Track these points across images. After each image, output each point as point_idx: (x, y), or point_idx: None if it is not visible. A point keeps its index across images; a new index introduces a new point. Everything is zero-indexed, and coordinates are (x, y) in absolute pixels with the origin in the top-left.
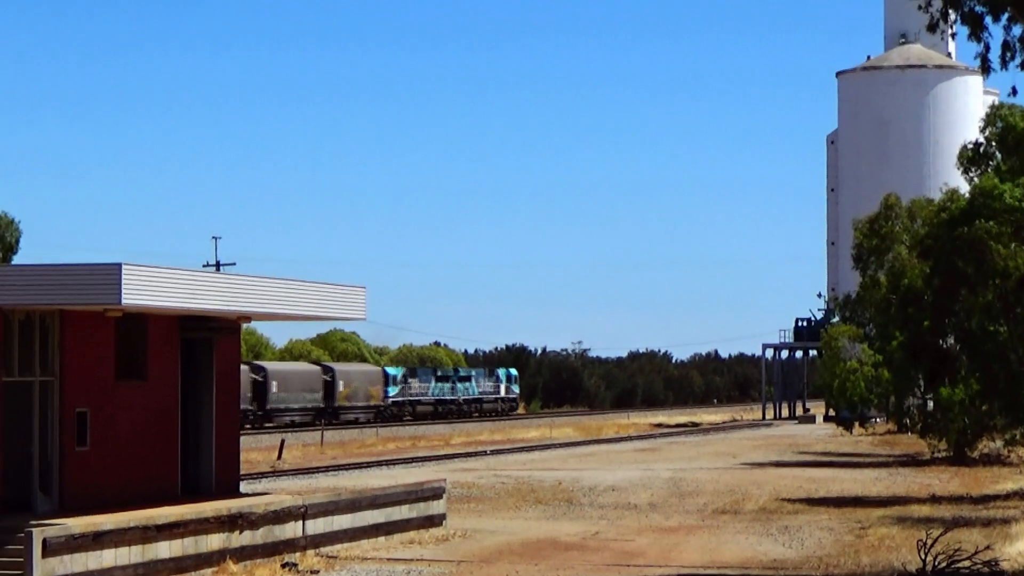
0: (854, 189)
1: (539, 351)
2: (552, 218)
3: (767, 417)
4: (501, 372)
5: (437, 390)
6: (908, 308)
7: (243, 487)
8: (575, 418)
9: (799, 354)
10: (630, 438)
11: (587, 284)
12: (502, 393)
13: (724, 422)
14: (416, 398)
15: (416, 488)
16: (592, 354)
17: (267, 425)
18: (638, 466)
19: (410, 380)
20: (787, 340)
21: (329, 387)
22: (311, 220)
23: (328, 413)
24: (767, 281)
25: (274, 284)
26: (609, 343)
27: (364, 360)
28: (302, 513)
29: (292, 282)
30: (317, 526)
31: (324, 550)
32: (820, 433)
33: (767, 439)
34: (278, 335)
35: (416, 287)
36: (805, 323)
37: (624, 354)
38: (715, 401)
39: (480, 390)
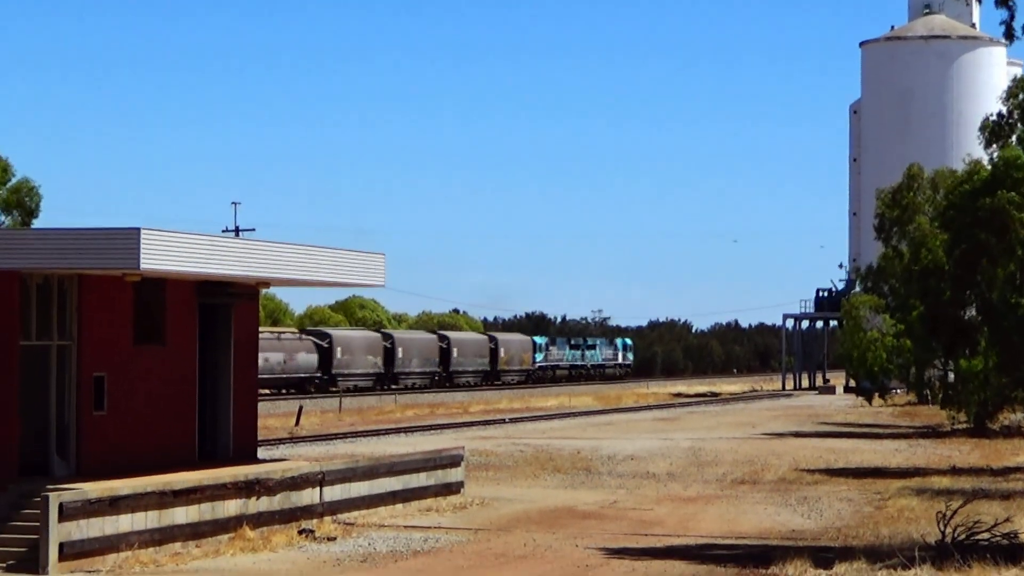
0: (877, 160)
1: (559, 319)
2: (573, 186)
3: (787, 387)
4: (619, 341)
5: (570, 357)
6: (929, 279)
7: (260, 453)
8: (594, 387)
9: (820, 324)
10: (649, 407)
11: (608, 253)
12: (620, 360)
13: (744, 392)
14: (556, 363)
15: (434, 455)
16: (612, 323)
17: (448, 385)
18: (657, 435)
19: (551, 348)
20: (808, 310)
21: (494, 354)
22: (331, 186)
23: (492, 376)
24: (788, 251)
25: (293, 250)
26: (629, 312)
27: (382, 325)
28: (319, 480)
29: (311, 248)
30: (334, 493)
31: (341, 517)
32: (840, 404)
33: (787, 409)
34: (297, 301)
35: (435, 254)
36: (826, 293)
37: (644, 323)
38: (735, 371)
39: (603, 357)
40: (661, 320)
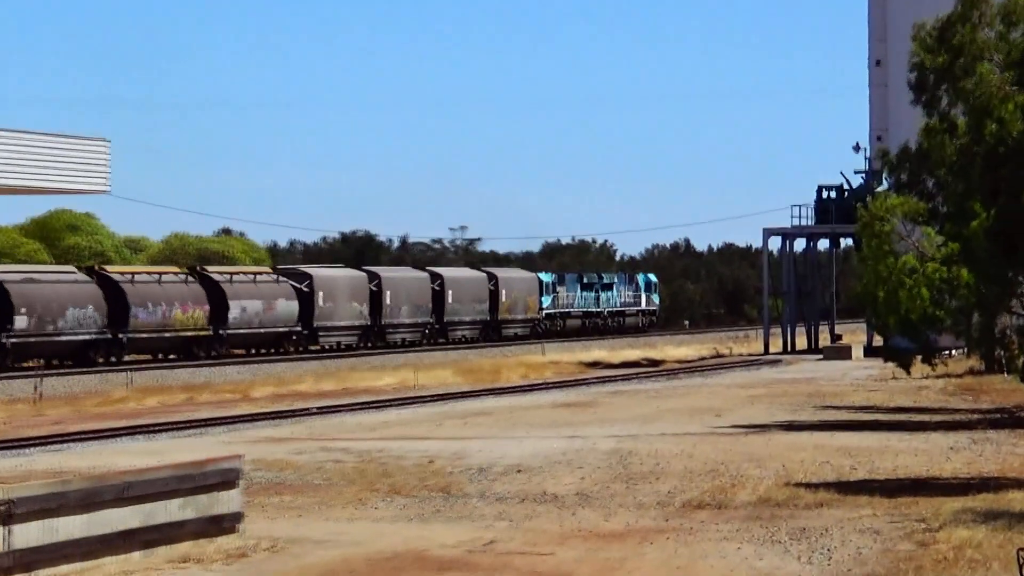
0: None
1: (396, 242)
2: (412, 34)
3: (771, 350)
4: (640, 278)
5: (582, 301)
6: (998, 167)
7: None
8: (455, 353)
9: (825, 244)
10: (547, 386)
11: (472, 138)
12: (643, 304)
13: (702, 358)
14: (567, 310)
15: (194, 471)
16: (483, 247)
17: (442, 341)
18: (560, 432)
19: (559, 289)
20: (804, 222)
21: (494, 298)
22: (10, 33)
23: (492, 327)
24: (773, 129)
25: None
26: (508, 230)
27: (107, 261)
28: (5, 513)
29: None
30: (29, 534)
31: (42, 574)
32: (859, 374)
33: (772, 385)
34: None
35: (189, 145)
36: (834, 194)
37: (536, 248)
38: (686, 324)
39: (622, 300)
40: (562, 242)
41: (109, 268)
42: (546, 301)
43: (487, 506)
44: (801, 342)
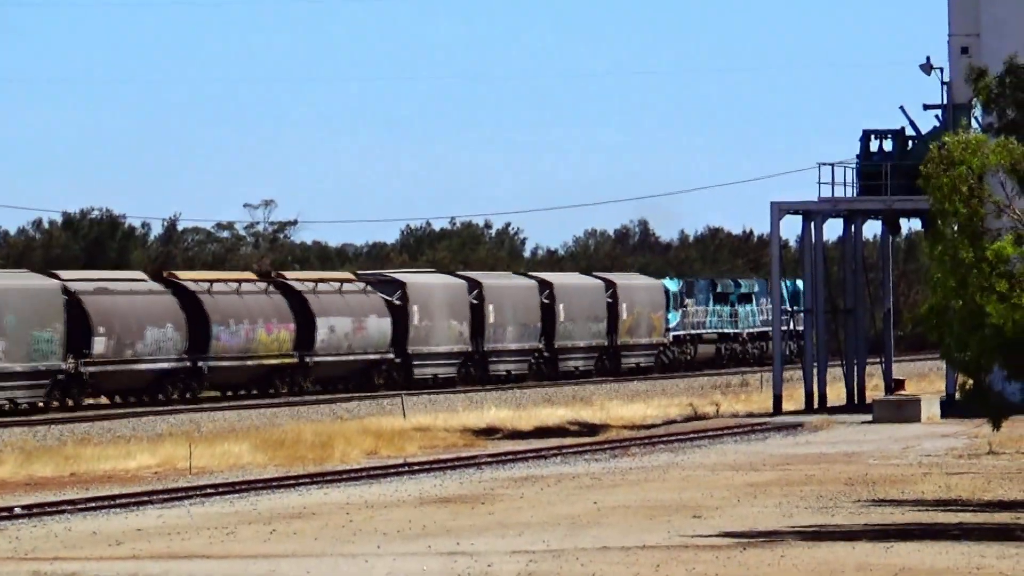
0: None
1: (158, 229)
2: None
3: (786, 407)
4: (785, 287)
5: (715, 318)
6: None
7: None
8: (252, 414)
9: (877, 229)
10: (411, 468)
11: (270, 63)
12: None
13: (669, 421)
14: (698, 330)
15: None
16: (304, 236)
17: (554, 374)
18: (433, 545)
19: (687, 300)
20: (842, 192)
21: (612, 313)
22: None
23: (610, 355)
24: (783, 36)
25: None
26: (341, 209)
27: None
28: None
29: None
30: None
31: None
32: (934, 446)
33: (788, 466)
34: None
35: None
36: (890, 145)
37: (390, 237)
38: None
39: (764, 318)
40: (435, 228)
41: (181, 275)
42: (673, 319)
43: None
44: (836, 392)
